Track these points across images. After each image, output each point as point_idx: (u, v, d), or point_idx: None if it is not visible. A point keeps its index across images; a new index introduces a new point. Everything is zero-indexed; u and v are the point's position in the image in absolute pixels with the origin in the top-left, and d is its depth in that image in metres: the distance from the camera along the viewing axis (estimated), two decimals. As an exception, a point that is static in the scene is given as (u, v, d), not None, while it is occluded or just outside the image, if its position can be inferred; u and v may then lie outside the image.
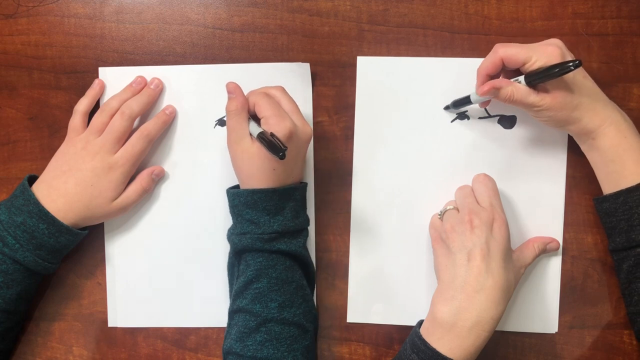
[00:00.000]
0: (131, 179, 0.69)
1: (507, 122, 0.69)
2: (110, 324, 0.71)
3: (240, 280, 0.63)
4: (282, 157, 0.58)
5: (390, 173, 0.70)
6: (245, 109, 0.63)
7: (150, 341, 0.72)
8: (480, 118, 0.69)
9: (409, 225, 0.70)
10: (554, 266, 0.69)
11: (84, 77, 0.71)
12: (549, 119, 0.63)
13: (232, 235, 0.65)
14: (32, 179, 0.67)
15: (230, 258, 0.66)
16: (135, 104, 0.67)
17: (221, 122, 0.70)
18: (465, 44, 0.69)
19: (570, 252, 0.69)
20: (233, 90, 0.64)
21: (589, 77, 0.63)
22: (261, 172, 0.62)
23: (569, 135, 0.68)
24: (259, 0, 0.70)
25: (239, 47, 0.70)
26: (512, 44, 0.62)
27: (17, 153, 0.72)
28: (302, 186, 0.66)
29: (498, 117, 0.69)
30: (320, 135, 0.70)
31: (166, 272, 0.71)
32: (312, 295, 0.69)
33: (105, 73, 0.71)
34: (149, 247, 0.71)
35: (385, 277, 0.70)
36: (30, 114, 0.72)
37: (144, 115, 0.70)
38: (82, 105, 0.68)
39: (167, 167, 0.71)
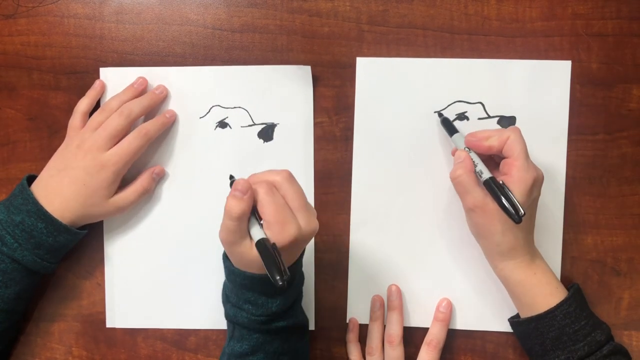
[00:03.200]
0: (130, 180, 0.69)
1: (507, 122, 0.69)
2: (108, 324, 0.71)
3: (235, 348, 0.61)
4: (281, 287, 0.51)
5: (390, 173, 0.70)
6: (248, 214, 0.55)
7: (149, 342, 0.72)
8: (479, 119, 0.69)
9: (409, 226, 0.70)
10: (553, 267, 0.69)
11: (84, 78, 0.71)
12: (474, 224, 0.63)
13: (226, 302, 0.61)
14: (32, 179, 0.67)
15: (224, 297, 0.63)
16: (135, 105, 0.67)
17: (222, 124, 0.70)
18: (465, 44, 0.69)
19: (570, 253, 0.69)
20: (244, 191, 0.55)
21: (534, 211, 0.64)
22: (262, 268, 0.54)
23: (568, 135, 0.69)
24: (259, 0, 0.70)
25: (239, 48, 0.70)
26: (523, 143, 0.62)
27: (16, 153, 0.72)
28: (301, 256, 0.61)
29: (498, 118, 0.69)
30: (320, 136, 0.70)
31: (166, 273, 0.71)
32: (307, 338, 0.67)
33: (106, 73, 0.71)
34: (148, 248, 0.71)
35: (385, 277, 0.70)
36: (30, 114, 0.72)
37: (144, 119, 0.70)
38: (83, 105, 0.68)
39: (167, 168, 0.71)
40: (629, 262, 0.69)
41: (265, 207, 0.55)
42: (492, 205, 0.60)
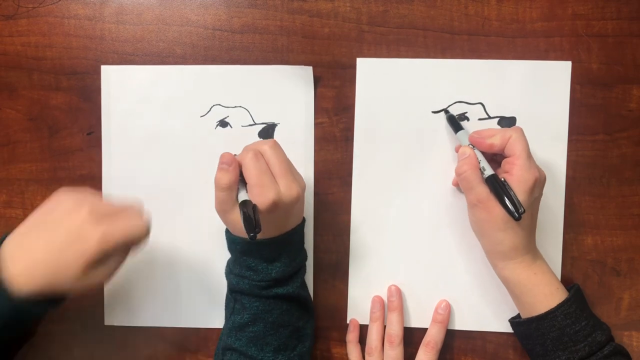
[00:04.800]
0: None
1: (507, 123, 0.69)
2: (106, 322, 0.72)
3: (236, 320, 0.63)
4: (252, 238, 0.55)
5: (389, 174, 0.70)
6: (237, 184, 0.60)
7: (150, 342, 0.72)
8: (480, 119, 0.69)
9: (409, 226, 0.70)
10: (554, 267, 0.69)
11: (84, 78, 0.71)
12: (476, 221, 0.63)
13: (230, 274, 0.64)
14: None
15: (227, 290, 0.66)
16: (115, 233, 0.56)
17: (222, 124, 0.70)
18: (465, 45, 0.69)
19: (570, 253, 0.69)
20: (229, 162, 0.60)
21: (536, 211, 0.64)
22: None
23: (568, 135, 0.69)
24: (259, 1, 0.70)
25: (239, 48, 0.70)
26: (525, 142, 0.62)
27: (17, 154, 0.72)
28: (299, 227, 0.65)
29: (498, 119, 0.69)
30: (320, 136, 0.71)
31: (166, 272, 0.71)
32: (312, 325, 0.68)
33: (108, 72, 0.71)
34: (148, 247, 0.71)
35: (385, 277, 0.70)
36: (30, 115, 0.72)
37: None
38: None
39: (167, 166, 0.71)
40: (629, 263, 0.69)
41: (249, 172, 0.59)
42: (494, 202, 0.61)
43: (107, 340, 0.72)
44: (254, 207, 0.57)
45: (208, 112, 0.70)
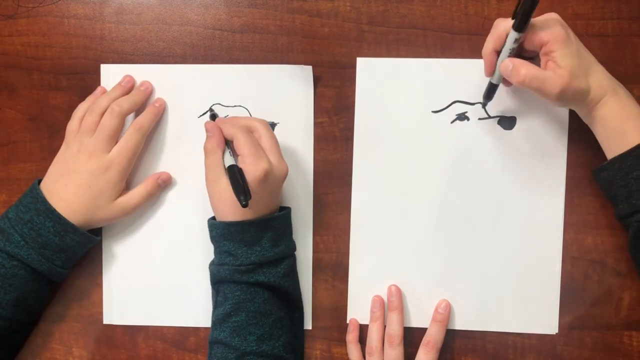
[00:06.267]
0: (135, 183, 0.69)
1: (507, 123, 0.69)
2: (105, 321, 0.72)
3: (219, 312, 0.64)
4: (244, 206, 0.58)
5: (390, 174, 0.70)
6: (222, 148, 0.64)
7: (150, 342, 0.72)
8: (480, 119, 0.69)
9: (409, 226, 0.70)
10: (554, 267, 0.69)
11: (84, 78, 0.71)
12: (560, 95, 0.61)
13: (210, 266, 0.66)
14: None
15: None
16: (124, 102, 0.68)
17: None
18: (465, 44, 0.69)
19: (570, 253, 0.69)
20: (211, 129, 0.64)
21: (587, 50, 0.63)
22: (237, 210, 0.62)
23: (568, 135, 0.69)
24: (259, 1, 0.70)
25: (239, 48, 0.70)
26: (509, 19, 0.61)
27: (16, 154, 0.72)
28: (281, 215, 0.66)
29: (498, 118, 0.69)
30: (320, 136, 0.70)
31: (165, 272, 0.71)
32: (300, 323, 0.69)
33: (107, 71, 0.71)
34: (147, 246, 0.71)
35: (385, 277, 0.70)
36: (30, 114, 0.72)
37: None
38: (81, 109, 0.68)
39: (167, 167, 0.71)
40: (629, 262, 0.69)
41: (241, 144, 0.61)
42: (562, 62, 0.60)
43: (107, 340, 0.72)
44: (240, 170, 0.60)
45: (207, 111, 0.70)
